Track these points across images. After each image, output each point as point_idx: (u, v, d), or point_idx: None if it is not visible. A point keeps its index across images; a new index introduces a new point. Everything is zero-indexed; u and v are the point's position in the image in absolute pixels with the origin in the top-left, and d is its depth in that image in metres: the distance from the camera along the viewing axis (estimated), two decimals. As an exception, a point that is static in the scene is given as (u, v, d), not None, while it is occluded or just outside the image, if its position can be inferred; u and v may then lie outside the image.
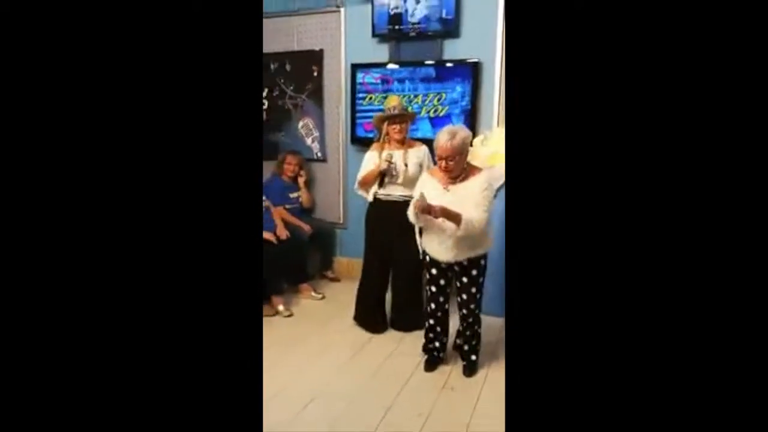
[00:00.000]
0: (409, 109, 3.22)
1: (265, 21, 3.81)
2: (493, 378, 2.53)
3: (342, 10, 3.62)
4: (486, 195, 2.27)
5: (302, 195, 3.79)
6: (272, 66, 3.91)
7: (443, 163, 2.26)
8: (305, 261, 3.64)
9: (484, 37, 3.24)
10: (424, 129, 3.43)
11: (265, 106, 4.02)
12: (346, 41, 3.66)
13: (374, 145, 2.90)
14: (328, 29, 3.70)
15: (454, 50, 3.35)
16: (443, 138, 2.22)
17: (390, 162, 2.76)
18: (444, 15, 3.28)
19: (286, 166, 3.72)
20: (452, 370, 2.60)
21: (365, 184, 2.89)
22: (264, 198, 3.51)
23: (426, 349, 2.66)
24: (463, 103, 3.31)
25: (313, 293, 3.55)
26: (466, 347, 2.56)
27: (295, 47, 3.83)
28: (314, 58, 3.77)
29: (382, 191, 2.86)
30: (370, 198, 2.93)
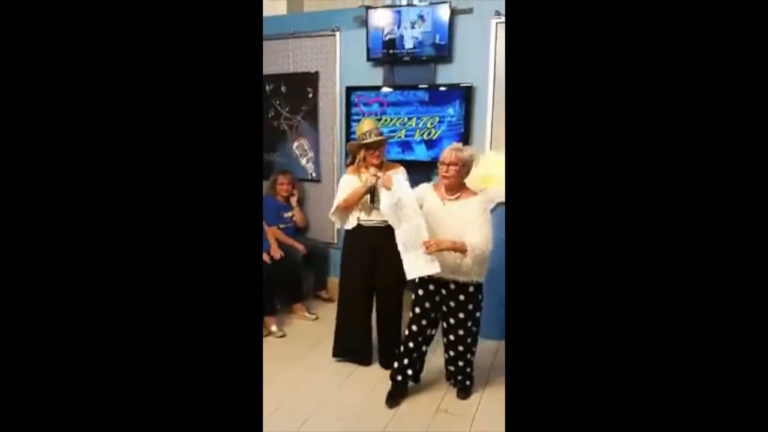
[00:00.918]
0: (402, 133, 3.26)
1: (261, 43, 3.88)
2: (488, 400, 2.53)
3: (337, 34, 3.69)
4: (486, 219, 2.28)
5: (295, 214, 3.81)
6: (268, 87, 3.96)
7: (445, 168, 2.30)
8: (299, 281, 3.65)
9: (477, 62, 3.31)
10: (418, 152, 3.48)
11: (260, 127, 4.06)
12: (341, 64, 3.72)
13: (349, 169, 2.79)
14: (324, 52, 3.76)
15: (447, 74, 3.42)
16: (450, 148, 2.36)
17: (378, 177, 2.62)
18: (437, 40, 3.35)
19: (278, 186, 3.75)
20: (446, 393, 2.60)
21: (348, 206, 2.74)
22: (258, 218, 3.53)
23: (395, 376, 2.53)
24: (457, 127, 3.37)
25: (306, 313, 3.55)
26: (459, 376, 2.54)
27: (291, 69, 3.88)
28: (310, 80, 3.83)
29: (364, 216, 2.75)
30: (349, 224, 2.79)
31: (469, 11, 3.30)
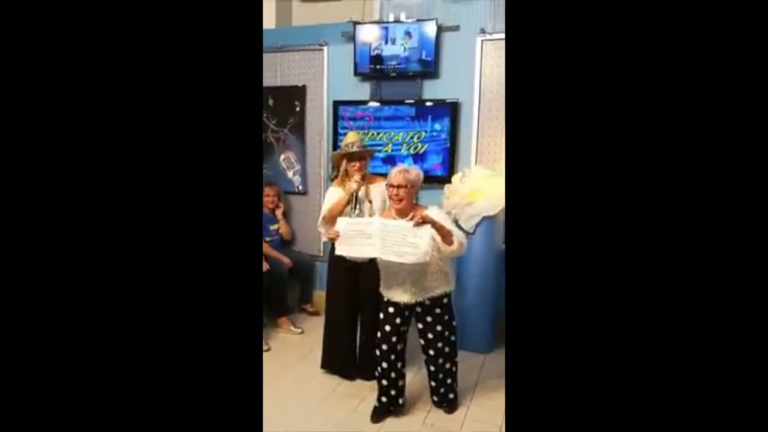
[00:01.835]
0: (389, 147, 3.29)
1: (249, 57, 3.90)
2: (474, 415, 2.54)
3: (325, 48, 3.72)
4: (451, 224, 2.30)
5: (281, 227, 3.81)
6: (255, 100, 3.97)
7: (393, 191, 2.29)
8: (284, 294, 3.64)
9: (463, 78, 3.36)
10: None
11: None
12: (328, 78, 3.75)
13: (335, 182, 2.81)
14: (312, 66, 3.79)
15: (433, 90, 3.46)
16: (397, 170, 2.34)
17: (360, 183, 2.64)
18: (424, 56, 3.40)
19: (264, 198, 3.74)
20: (432, 408, 2.60)
21: (333, 216, 2.67)
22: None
23: (379, 397, 2.51)
24: (443, 141, 3.41)
25: (292, 327, 3.54)
26: (442, 389, 2.53)
27: (279, 82, 3.90)
28: (297, 93, 3.84)
29: None
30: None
31: (455, 28, 3.36)
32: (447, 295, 2.41)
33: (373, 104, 3.57)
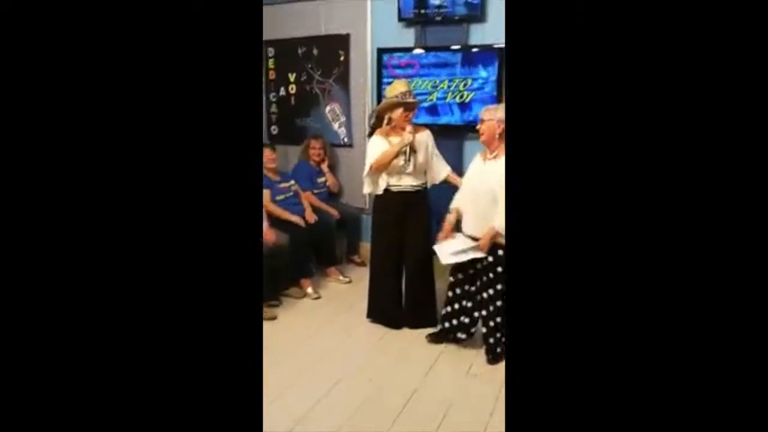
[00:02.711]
0: (435, 95, 3.23)
1: (291, 6, 3.84)
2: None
3: (368, -6, 3.61)
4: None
5: (328, 179, 3.85)
6: (300, 51, 3.94)
7: (480, 125, 2.44)
8: (333, 245, 3.73)
9: (512, 21, 3.19)
10: (451, 115, 3.43)
11: (293, 91, 4.07)
12: (372, 26, 3.65)
13: (379, 132, 2.74)
14: (355, 14, 3.70)
15: (480, 35, 3.32)
16: (486, 107, 2.56)
17: (414, 134, 2.63)
18: (470, -1, 3.24)
19: (311, 151, 3.78)
20: (476, 358, 2.65)
21: (381, 167, 2.69)
22: (293, 182, 3.59)
23: (443, 322, 2.73)
24: (490, 89, 3.29)
25: (340, 277, 3.64)
26: (491, 339, 2.57)
27: (323, 32, 3.84)
28: (341, 42, 3.78)
29: (393, 181, 2.74)
30: (380, 189, 2.79)
31: (505, -33, 3.16)
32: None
33: (418, 51, 3.47)
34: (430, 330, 2.84)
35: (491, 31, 3.27)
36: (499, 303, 2.49)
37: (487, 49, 3.26)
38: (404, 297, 2.94)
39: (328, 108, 3.98)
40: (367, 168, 2.76)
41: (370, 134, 2.83)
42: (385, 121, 2.73)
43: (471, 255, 2.47)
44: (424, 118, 3.39)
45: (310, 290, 3.38)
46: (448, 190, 2.81)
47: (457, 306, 2.66)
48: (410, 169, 2.69)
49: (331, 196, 3.91)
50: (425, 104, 3.44)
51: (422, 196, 2.85)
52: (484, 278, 2.51)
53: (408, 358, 2.65)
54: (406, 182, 2.76)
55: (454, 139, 3.37)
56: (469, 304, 2.64)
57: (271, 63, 4.13)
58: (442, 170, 2.89)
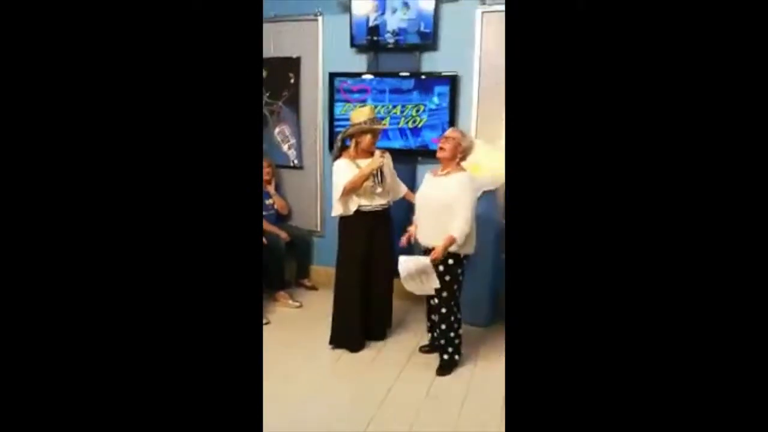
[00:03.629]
0: (387, 120, 3.29)
1: (241, 27, 3.78)
2: (477, 385, 2.60)
3: (320, 18, 3.63)
4: (468, 197, 2.52)
5: (276, 201, 3.78)
6: (247, 72, 3.88)
7: (442, 141, 2.62)
8: (282, 268, 3.63)
9: (462, 51, 3.32)
10: (402, 140, 3.48)
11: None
12: (323, 50, 3.67)
13: (345, 155, 2.84)
14: (306, 37, 3.70)
15: (432, 63, 3.42)
16: (453, 128, 2.79)
17: (383, 157, 2.75)
18: (422, 28, 3.34)
19: (260, 173, 3.69)
20: (435, 378, 2.66)
21: (354, 188, 2.76)
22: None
23: (437, 352, 2.82)
24: (441, 116, 3.38)
25: (290, 301, 3.55)
26: (439, 342, 2.74)
27: (272, 54, 3.80)
28: (291, 65, 3.77)
29: (365, 201, 2.82)
30: (351, 210, 2.83)
31: (455, 0, 3.30)
32: (458, 257, 2.57)
33: (370, 76, 3.51)
34: (391, 340, 3.04)
35: (443, 59, 3.38)
36: (444, 309, 2.63)
37: (439, 77, 3.36)
38: (370, 311, 2.97)
39: (276, 130, 3.93)
40: (340, 191, 2.77)
41: (336, 158, 2.87)
42: (353, 145, 2.83)
43: (425, 276, 2.55)
44: (378, 142, 3.42)
45: (259, 316, 3.25)
46: (403, 203, 3.08)
47: (429, 321, 2.85)
48: (379, 190, 2.80)
49: (280, 219, 3.83)
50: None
51: (388, 214, 2.96)
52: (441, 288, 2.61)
53: (367, 380, 2.61)
54: (377, 202, 2.86)
55: (407, 164, 3.42)
56: (436, 317, 2.76)
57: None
58: (400, 189, 3.06)
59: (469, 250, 2.60)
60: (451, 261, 2.55)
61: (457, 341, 2.69)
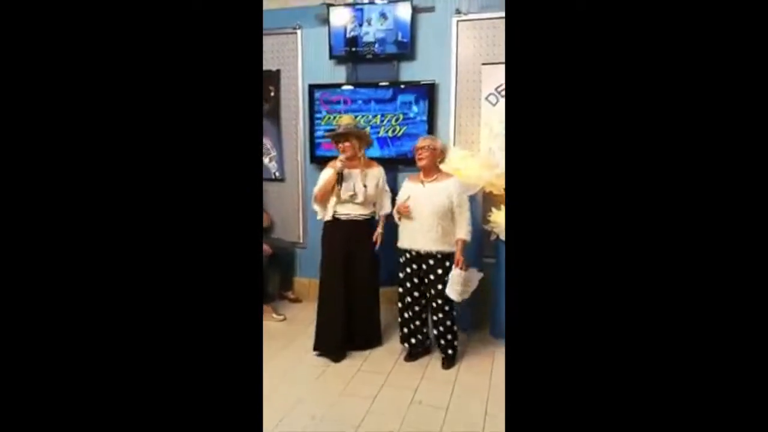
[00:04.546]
0: (366, 129, 3.29)
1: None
2: (460, 392, 2.58)
3: (299, 31, 3.66)
4: (464, 200, 2.69)
5: (259, 215, 3.76)
6: (227, 86, 3.89)
7: (419, 152, 2.72)
8: (265, 282, 3.60)
9: (439, 59, 3.36)
10: (383, 149, 3.49)
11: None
12: (303, 62, 3.69)
13: (330, 163, 2.90)
14: (285, 50, 3.73)
15: (410, 72, 3.45)
16: (423, 137, 2.82)
17: (344, 163, 2.78)
18: (399, 38, 3.38)
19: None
20: (420, 384, 2.63)
21: (323, 194, 2.87)
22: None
23: (404, 342, 2.93)
24: (421, 124, 3.40)
25: (274, 315, 3.51)
26: (442, 340, 2.81)
27: (251, 67, 3.81)
28: (271, 78, 3.78)
29: (341, 209, 2.86)
30: (328, 216, 2.89)
31: (431, 9, 3.35)
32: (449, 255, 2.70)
33: (349, 87, 3.54)
34: (377, 350, 3.02)
35: (420, 69, 3.42)
36: (447, 307, 2.74)
37: (416, 85, 3.39)
38: (353, 321, 2.94)
39: (258, 143, 3.92)
40: (314, 196, 2.92)
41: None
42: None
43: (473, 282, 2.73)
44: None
45: (242, 330, 3.21)
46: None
47: (412, 326, 2.87)
48: (360, 199, 2.83)
49: (263, 231, 3.80)
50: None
51: (369, 226, 2.93)
52: (439, 287, 2.70)
53: (350, 392, 2.57)
54: (355, 211, 2.87)
55: (388, 172, 3.41)
56: (424, 315, 2.87)
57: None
58: (384, 204, 3.00)
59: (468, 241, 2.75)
60: (447, 263, 2.69)
61: (457, 337, 2.84)
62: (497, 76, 3.20)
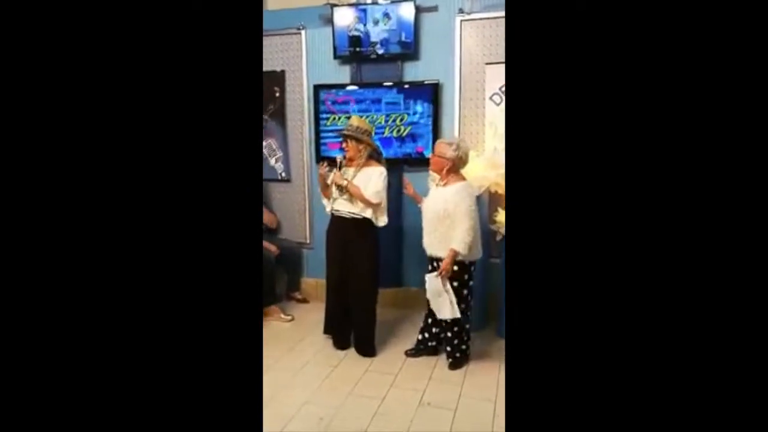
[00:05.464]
0: (371, 128, 3.30)
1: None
2: (468, 394, 2.59)
3: (303, 32, 3.66)
4: (467, 206, 2.60)
5: (264, 215, 3.77)
6: (232, 87, 3.90)
7: (431, 157, 2.76)
8: (272, 282, 3.62)
9: (443, 59, 3.36)
10: (388, 149, 3.49)
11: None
12: (307, 63, 3.69)
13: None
14: (290, 51, 3.73)
15: (414, 72, 3.45)
16: (439, 141, 2.80)
17: (341, 159, 2.89)
18: (403, 38, 3.38)
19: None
20: (428, 385, 2.64)
21: (321, 188, 3.02)
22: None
23: (419, 336, 2.97)
24: (425, 123, 3.40)
25: (281, 315, 3.53)
26: (448, 347, 2.82)
27: (256, 69, 3.82)
28: (276, 79, 3.79)
29: (336, 206, 2.92)
30: (327, 210, 3.01)
31: (434, 9, 3.34)
32: (463, 264, 2.68)
33: (353, 87, 3.54)
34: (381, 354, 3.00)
35: (424, 68, 3.41)
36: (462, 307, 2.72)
37: (421, 85, 3.39)
38: (351, 322, 3.03)
39: (263, 143, 3.93)
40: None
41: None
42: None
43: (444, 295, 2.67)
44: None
45: (250, 330, 3.24)
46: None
47: (430, 320, 2.89)
48: (346, 196, 2.86)
49: (269, 232, 3.82)
50: (363, 138, 3.49)
51: (365, 227, 2.88)
52: None
53: (357, 393, 2.59)
54: (345, 208, 2.89)
55: (393, 172, 3.42)
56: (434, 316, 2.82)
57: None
58: (377, 208, 2.88)
59: (476, 255, 2.73)
60: (456, 268, 2.65)
61: (466, 339, 2.83)
62: (501, 75, 3.18)
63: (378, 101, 3.49)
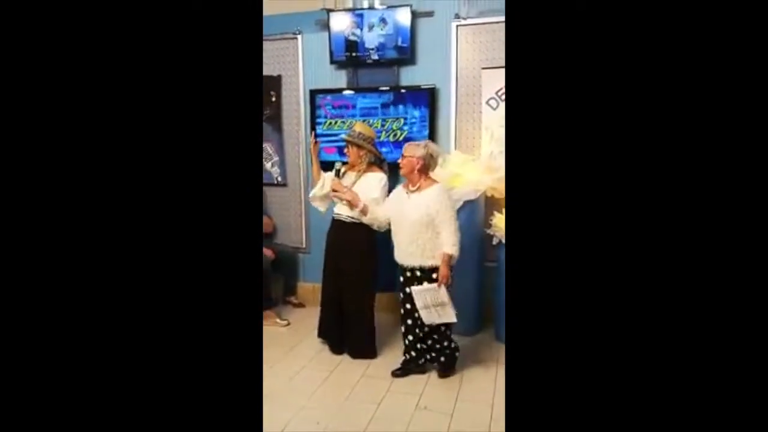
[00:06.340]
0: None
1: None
2: (465, 397, 2.59)
3: (299, 37, 3.67)
4: (449, 209, 2.55)
5: (262, 220, 3.78)
6: (229, 92, 3.90)
7: (400, 160, 2.64)
8: (269, 287, 3.61)
9: (439, 64, 3.37)
10: (386, 153, 3.50)
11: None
12: (304, 67, 3.70)
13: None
14: (286, 56, 3.74)
15: (410, 76, 3.46)
16: (408, 143, 2.70)
17: (341, 164, 2.93)
18: (399, 43, 3.39)
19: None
20: (425, 389, 2.64)
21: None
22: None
23: (405, 354, 2.83)
24: (422, 128, 3.41)
25: (277, 320, 3.52)
26: (433, 353, 2.74)
27: (252, 73, 3.83)
28: (272, 83, 3.79)
29: (337, 210, 2.93)
30: (322, 210, 3.07)
31: (430, 14, 3.36)
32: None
33: (350, 92, 3.55)
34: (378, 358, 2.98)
35: (420, 73, 3.43)
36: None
37: (417, 90, 3.40)
38: (346, 325, 3.01)
39: (259, 148, 3.94)
40: None
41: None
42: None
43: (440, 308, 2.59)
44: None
45: (246, 335, 3.22)
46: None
47: (411, 337, 2.75)
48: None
49: (265, 236, 3.81)
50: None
51: (360, 231, 2.87)
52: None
53: (353, 398, 2.58)
54: (344, 212, 2.90)
55: (391, 177, 3.42)
56: (417, 331, 2.72)
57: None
58: (373, 211, 2.85)
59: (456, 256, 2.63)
60: (434, 276, 2.57)
61: (452, 343, 2.74)
62: (497, 80, 3.20)
63: (374, 106, 3.50)
